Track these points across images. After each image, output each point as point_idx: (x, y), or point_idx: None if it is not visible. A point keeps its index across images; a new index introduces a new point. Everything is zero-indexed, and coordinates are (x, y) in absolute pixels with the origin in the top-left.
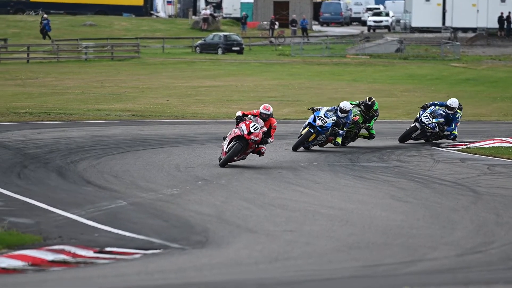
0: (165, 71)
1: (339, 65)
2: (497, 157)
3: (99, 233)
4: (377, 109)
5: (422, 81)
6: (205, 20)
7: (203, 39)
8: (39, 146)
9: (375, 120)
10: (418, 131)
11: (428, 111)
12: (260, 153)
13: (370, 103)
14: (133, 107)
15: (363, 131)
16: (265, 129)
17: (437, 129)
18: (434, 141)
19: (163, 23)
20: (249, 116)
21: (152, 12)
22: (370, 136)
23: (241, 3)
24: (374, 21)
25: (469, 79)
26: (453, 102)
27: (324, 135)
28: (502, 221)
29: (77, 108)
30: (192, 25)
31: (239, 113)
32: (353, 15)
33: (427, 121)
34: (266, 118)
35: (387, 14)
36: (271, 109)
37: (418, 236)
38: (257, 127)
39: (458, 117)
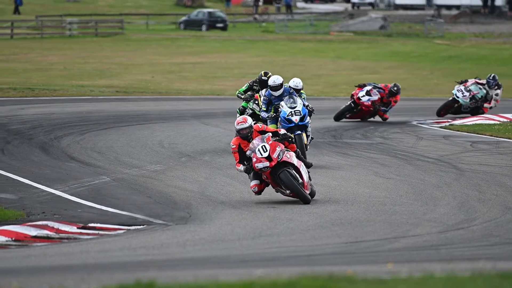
0: (149, 48)
1: (323, 42)
2: (480, 134)
3: (82, 209)
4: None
5: (405, 58)
6: None
7: (187, 15)
8: (23, 122)
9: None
10: None
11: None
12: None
13: (266, 78)
14: (117, 83)
15: None
16: (269, 134)
17: None
18: None
19: None
20: (247, 152)
21: None
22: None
23: None
24: None
25: (452, 56)
26: (297, 82)
27: (307, 125)
28: (484, 197)
29: (61, 84)
30: (176, 2)
31: (240, 168)
32: None
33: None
34: (249, 132)
35: None
36: (248, 119)
37: (401, 212)
38: (263, 146)
39: (304, 99)
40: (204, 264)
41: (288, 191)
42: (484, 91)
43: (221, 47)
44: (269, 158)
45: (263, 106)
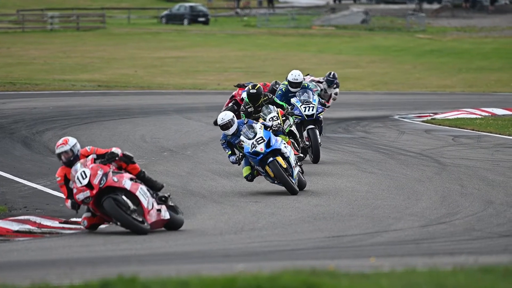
0: (131, 42)
1: (304, 36)
2: (461, 128)
3: (64, 204)
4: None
5: (387, 52)
6: None
7: (169, 9)
8: (4, 116)
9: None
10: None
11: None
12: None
13: (255, 90)
14: (99, 78)
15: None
16: (92, 156)
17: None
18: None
19: None
20: (70, 183)
21: None
22: None
23: None
24: None
25: (434, 50)
26: (296, 75)
27: (279, 147)
28: (466, 192)
29: (43, 79)
30: None
31: (68, 204)
32: None
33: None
34: (72, 157)
35: None
36: (69, 140)
37: (383, 207)
38: (82, 172)
39: (308, 86)
40: (186, 258)
41: (118, 223)
42: (319, 89)
43: (203, 41)
44: (90, 186)
45: (226, 150)
